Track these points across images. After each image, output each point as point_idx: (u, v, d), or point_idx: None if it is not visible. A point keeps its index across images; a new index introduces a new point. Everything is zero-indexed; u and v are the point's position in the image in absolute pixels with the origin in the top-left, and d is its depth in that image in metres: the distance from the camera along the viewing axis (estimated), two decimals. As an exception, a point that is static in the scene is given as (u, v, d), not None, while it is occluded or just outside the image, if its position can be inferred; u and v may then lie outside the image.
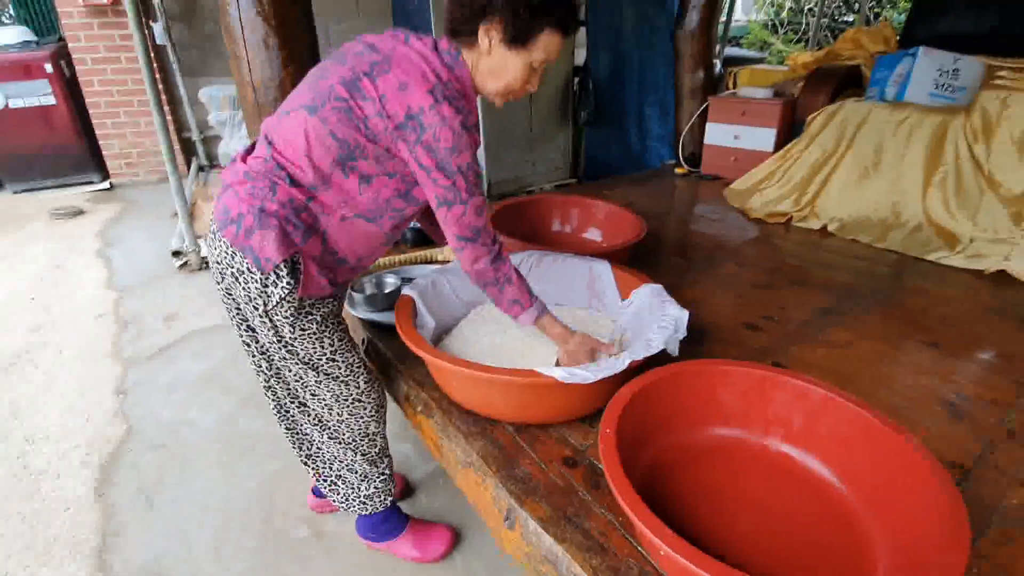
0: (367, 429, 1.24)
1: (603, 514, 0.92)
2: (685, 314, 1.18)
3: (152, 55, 4.44)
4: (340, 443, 1.24)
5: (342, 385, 1.16)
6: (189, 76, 4.98)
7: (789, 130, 2.88)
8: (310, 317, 1.06)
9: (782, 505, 0.93)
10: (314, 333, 1.08)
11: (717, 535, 0.87)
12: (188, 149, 5.07)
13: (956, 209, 2.15)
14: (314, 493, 1.55)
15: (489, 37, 0.99)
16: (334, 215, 1.04)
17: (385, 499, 1.32)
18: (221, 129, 4.91)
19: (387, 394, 1.42)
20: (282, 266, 0.98)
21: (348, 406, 1.18)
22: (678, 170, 3.32)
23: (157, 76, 2.83)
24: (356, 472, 1.28)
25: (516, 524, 0.93)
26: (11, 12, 5.72)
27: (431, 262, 1.82)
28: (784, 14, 7.34)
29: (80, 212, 4.04)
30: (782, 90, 3.01)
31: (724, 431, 1.03)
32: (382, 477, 1.30)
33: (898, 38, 2.98)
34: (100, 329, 2.49)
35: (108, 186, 4.66)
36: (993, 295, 1.73)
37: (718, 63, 3.31)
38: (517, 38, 0.98)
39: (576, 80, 4.38)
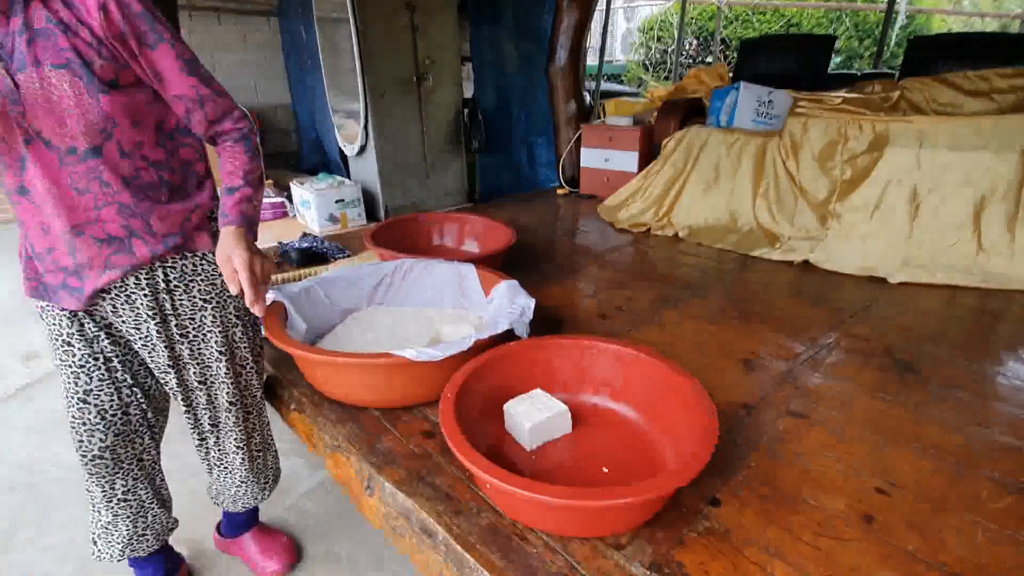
0: (86, 450, 1.11)
1: (454, 472, 1.04)
2: (532, 301, 1.36)
3: None
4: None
5: (66, 401, 1.11)
6: None
7: (649, 153, 3.27)
8: (48, 328, 1.07)
9: (606, 445, 1.10)
10: (52, 343, 1.08)
11: (559, 475, 1.03)
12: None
13: (777, 214, 2.56)
14: (218, 531, 1.44)
15: None
16: (12, 196, 0.98)
17: (114, 551, 1.18)
18: None
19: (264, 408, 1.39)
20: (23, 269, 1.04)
21: (70, 422, 1.12)
22: (559, 191, 3.61)
23: None
24: (90, 500, 1.17)
25: (376, 490, 1.03)
26: None
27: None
28: (653, 54, 8.22)
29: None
30: (641, 119, 3.41)
31: (562, 395, 1.19)
32: (111, 522, 1.17)
33: (731, 76, 3.50)
34: (-55, 373, 2.28)
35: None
36: (795, 281, 2.10)
37: (587, 95, 3.68)
38: None
39: (466, 111, 4.64)
